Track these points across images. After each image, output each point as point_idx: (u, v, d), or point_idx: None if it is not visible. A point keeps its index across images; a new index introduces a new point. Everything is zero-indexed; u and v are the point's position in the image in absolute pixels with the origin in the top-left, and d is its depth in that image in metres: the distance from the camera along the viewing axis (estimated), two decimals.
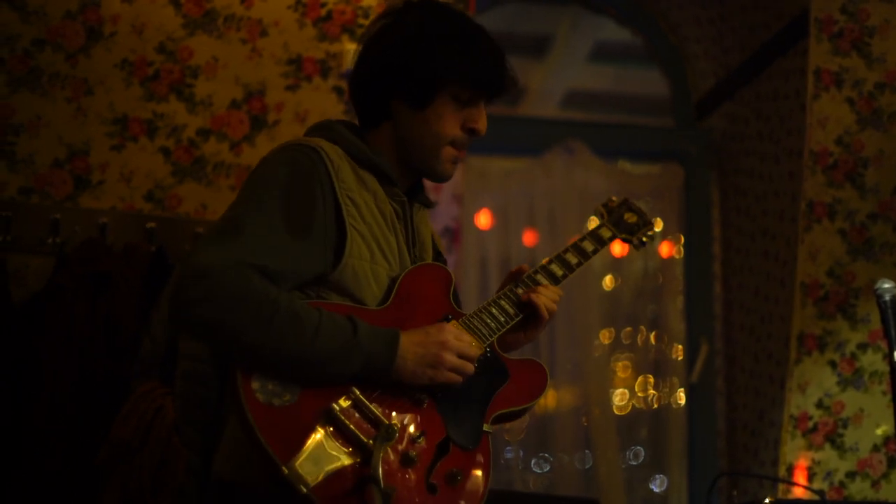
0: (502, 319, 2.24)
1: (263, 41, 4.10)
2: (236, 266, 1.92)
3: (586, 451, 5.05)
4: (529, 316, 2.30)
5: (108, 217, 3.83)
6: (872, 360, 4.28)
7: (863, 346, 4.29)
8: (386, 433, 1.96)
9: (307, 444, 1.91)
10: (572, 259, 2.42)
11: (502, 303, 2.27)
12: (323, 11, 4.15)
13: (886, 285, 2.53)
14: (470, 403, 2.13)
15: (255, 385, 1.92)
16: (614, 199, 2.65)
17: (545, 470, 5.05)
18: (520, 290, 2.30)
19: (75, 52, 3.94)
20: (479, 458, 2.11)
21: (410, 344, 2.03)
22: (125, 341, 3.58)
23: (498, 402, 2.18)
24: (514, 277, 2.36)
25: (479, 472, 2.09)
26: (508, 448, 4.99)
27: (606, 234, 2.55)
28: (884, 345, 4.12)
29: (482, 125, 2.26)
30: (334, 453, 1.93)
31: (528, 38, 5.72)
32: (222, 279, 1.91)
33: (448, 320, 2.17)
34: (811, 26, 4.35)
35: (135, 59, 4.00)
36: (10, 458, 3.46)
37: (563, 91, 5.87)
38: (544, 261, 2.41)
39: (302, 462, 1.89)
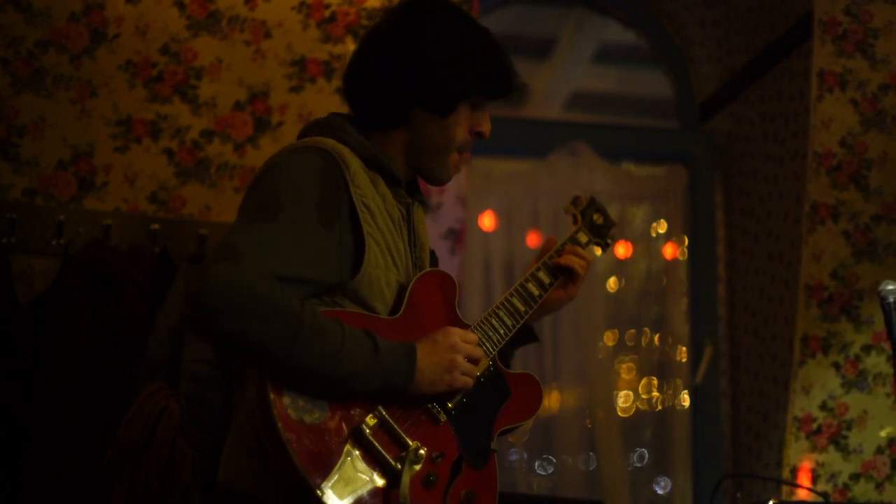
0: (505, 329, 2.25)
1: (267, 42, 4.10)
2: (258, 277, 1.86)
3: (590, 453, 5.05)
4: (565, 277, 2.41)
5: (112, 218, 3.83)
6: (876, 362, 4.27)
7: (867, 348, 4.28)
8: (414, 456, 1.96)
9: (338, 465, 1.90)
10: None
11: (514, 301, 2.29)
12: (327, 13, 4.16)
13: (890, 287, 2.52)
14: (478, 421, 2.13)
15: (286, 400, 1.89)
16: (581, 196, 2.62)
17: (549, 472, 5.05)
18: (553, 261, 2.40)
19: (79, 54, 3.95)
20: (489, 477, 2.11)
21: (424, 355, 2.02)
22: (132, 343, 3.59)
23: (502, 419, 2.19)
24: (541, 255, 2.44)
25: (489, 494, 2.10)
26: (512, 450, 4.98)
27: (584, 238, 2.55)
28: (888, 346, 4.12)
29: (487, 128, 2.25)
30: (363, 475, 1.92)
31: (533, 40, 5.72)
32: (246, 290, 1.85)
33: None
34: (815, 28, 4.35)
35: (139, 60, 4.00)
36: (18, 459, 3.46)
37: (567, 92, 5.86)
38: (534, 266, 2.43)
39: (334, 484, 1.88)
